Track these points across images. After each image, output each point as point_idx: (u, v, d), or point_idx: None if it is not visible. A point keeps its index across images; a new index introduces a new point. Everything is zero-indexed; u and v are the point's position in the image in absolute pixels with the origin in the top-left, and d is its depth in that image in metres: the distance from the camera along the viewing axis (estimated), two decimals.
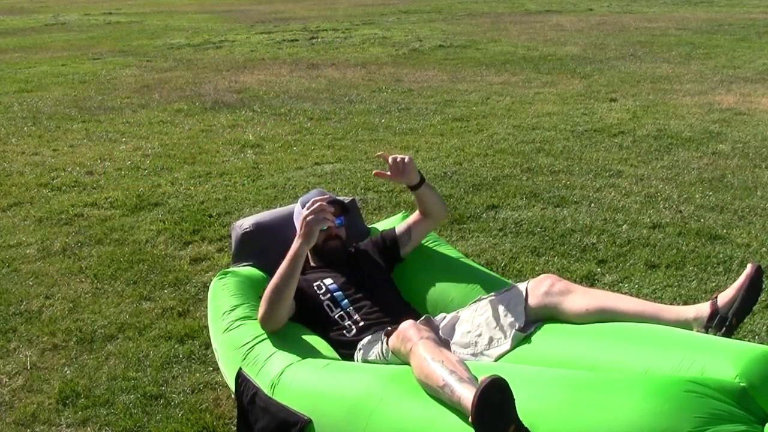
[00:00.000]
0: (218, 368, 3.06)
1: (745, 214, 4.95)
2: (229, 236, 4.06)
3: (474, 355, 2.67)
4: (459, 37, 14.04)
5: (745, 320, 3.54)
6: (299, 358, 2.63)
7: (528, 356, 2.54)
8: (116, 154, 6.91)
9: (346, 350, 2.80)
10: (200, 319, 3.76)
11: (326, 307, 2.96)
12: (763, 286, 3.87)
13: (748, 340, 3.35)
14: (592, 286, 3.99)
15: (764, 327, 3.52)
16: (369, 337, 2.73)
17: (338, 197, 3.27)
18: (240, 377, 2.71)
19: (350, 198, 3.63)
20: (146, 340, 3.63)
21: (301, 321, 2.93)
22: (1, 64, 12.70)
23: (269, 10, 21.12)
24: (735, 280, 2.48)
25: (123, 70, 11.62)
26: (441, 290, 3.14)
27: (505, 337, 2.65)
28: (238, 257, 3.33)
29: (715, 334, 2.36)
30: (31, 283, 4.32)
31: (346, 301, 2.97)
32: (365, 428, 2.29)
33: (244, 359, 2.74)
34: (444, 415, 2.16)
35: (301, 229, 2.78)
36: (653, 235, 4.63)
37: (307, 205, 2.83)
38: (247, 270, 3.23)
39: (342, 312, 2.94)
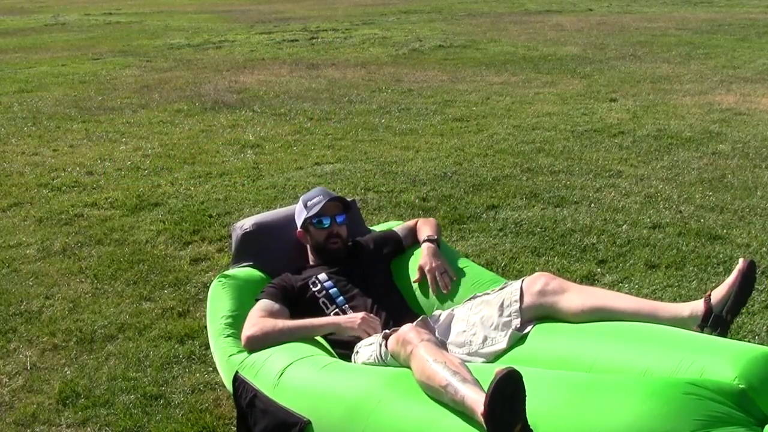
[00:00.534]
0: (218, 370, 3.05)
1: (745, 214, 4.95)
2: (229, 236, 4.06)
3: (469, 354, 2.66)
4: (459, 37, 14.04)
5: (746, 321, 3.55)
6: (298, 358, 2.62)
7: (525, 356, 2.53)
8: (116, 154, 6.91)
9: (342, 348, 2.80)
10: (200, 319, 3.76)
11: (322, 305, 2.96)
12: (758, 282, 3.89)
13: (748, 341, 3.35)
14: (592, 285, 3.98)
15: (764, 327, 3.52)
16: (365, 340, 2.73)
17: (352, 198, 3.28)
18: (237, 381, 2.71)
19: (351, 199, 3.63)
20: (146, 341, 3.63)
21: (297, 319, 2.93)
22: (1, 64, 12.70)
23: (269, 10, 21.12)
24: None
25: (123, 70, 11.62)
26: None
27: (500, 335, 2.64)
28: (238, 257, 3.33)
29: (711, 334, 2.35)
30: (31, 283, 4.32)
31: (341, 298, 2.97)
32: (364, 429, 2.29)
33: (241, 363, 2.73)
34: (443, 416, 2.16)
35: (358, 323, 2.76)
36: (653, 235, 4.63)
37: (361, 322, 2.78)
38: (247, 272, 3.22)
39: (338, 309, 2.94)
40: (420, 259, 3.17)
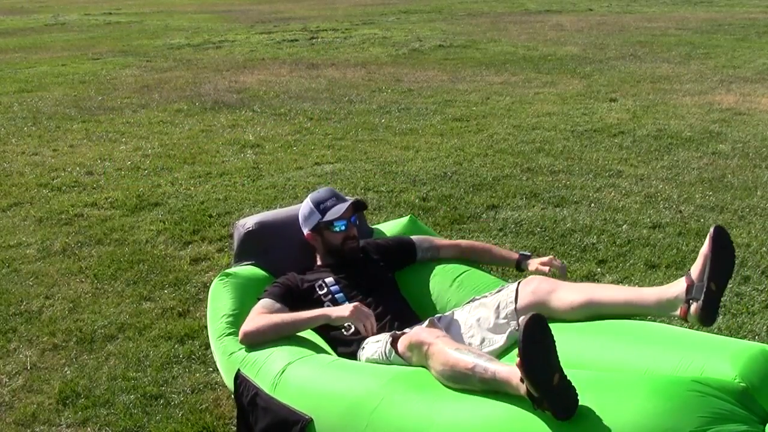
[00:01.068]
0: (218, 369, 3.05)
1: (745, 214, 4.95)
2: (230, 236, 4.06)
3: None
4: (459, 37, 14.04)
5: (746, 321, 3.55)
6: (299, 357, 2.62)
7: None
8: (116, 154, 6.91)
9: (345, 348, 2.80)
10: (200, 319, 3.76)
11: (327, 308, 2.95)
12: (758, 282, 3.89)
13: (748, 340, 3.35)
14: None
15: (764, 327, 3.52)
16: (373, 337, 2.74)
17: (349, 197, 3.26)
18: (239, 378, 2.71)
19: (352, 199, 3.62)
20: (146, 340, 3.63)
21: None
22: (1, 64, 12.70)
23: (269, 10, 21.12)
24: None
25: (123, 70, 11.62)
26: (439, 291, 3.14)
27: (497, 337, 2.65)
28: (240, 256, 3.32)
29: (699, 306, 2.32)
30: (31, 283, 4.32)
31: (346, 301, 2.96)
32: (366, 427, 2.29)
33: (243, 360, 2.73)
34: (445, 414, 2.17)
35: (350, 311, 2.72)
36: (653, 235, 4.64)
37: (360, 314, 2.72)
38: (249, 270, 3.22)
39: None
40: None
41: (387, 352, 2.56)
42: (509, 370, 2.09)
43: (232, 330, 2.89)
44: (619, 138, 6.86)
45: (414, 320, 2.85)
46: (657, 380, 2.04)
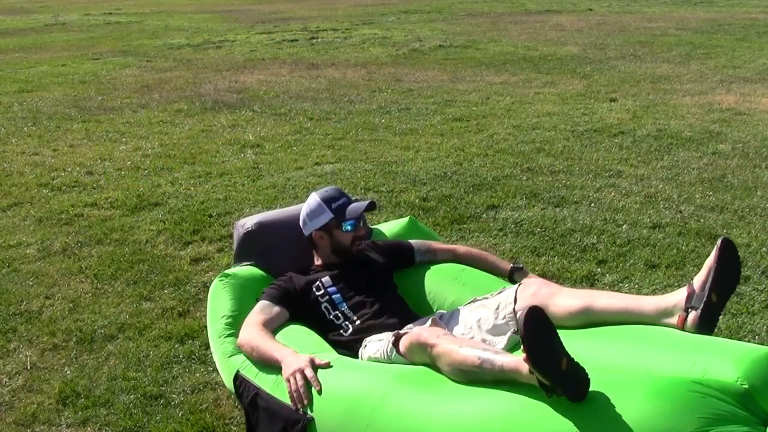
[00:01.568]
0: (218, 369, 3.05)
1: (745, 214, 4.95)
2: (230, 236, 4.06)
3: None
4: (459, 37, 14.04)
5: (746, 321, 3.55)
6: None
7: None
8: (116, 154, 6.91)
9: (343, 350, 2.80)
10: (200, 319, 3.76)
11: (324, 309, 2.96)
12: (758, 282, 3.89)
13: (748, 341, 3.35)
14: (592, 286, 3.99)
15: (764, 327, 3.52)
16: (375, 335, 2.75)
17: (356, 198, 3.25)
18: (238, 379, 2.71)
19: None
20: (146, 340, 3.63)
21: (298, 320, 2.92)
22: (1, 64, 12.70)
23: (269, 10, 21.11)
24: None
25: (123, 70, 11.62)
26: (438, 291, 3.14)
27: (497, 339, 2.65)
28: (240, 257, 3.31)
29: (698, 316, 2.31)
30: (31, 283, 4.31)
31: (344, 302, 2.96)
32: (367, 426, 2.29)
33: (242, 362, 2.74)
34: (446, 412, 2.17)
35: (290, 370, 2.52)
36: (653, 235, 4.63)
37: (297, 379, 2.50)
38: (248, 271, 3.21)
39: (338, 312, 2.94)
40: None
41: (389, 351, 2.57)
42: (517, 360, 2.12)
43: (231, 331, 2.89)
44: (619, 138, 6.86)
45: (412, 319, 2.85)
46: (657, 381, 2.04)
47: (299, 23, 17.25)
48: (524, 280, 2.77)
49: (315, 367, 2.51)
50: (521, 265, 3.23)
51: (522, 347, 2.00)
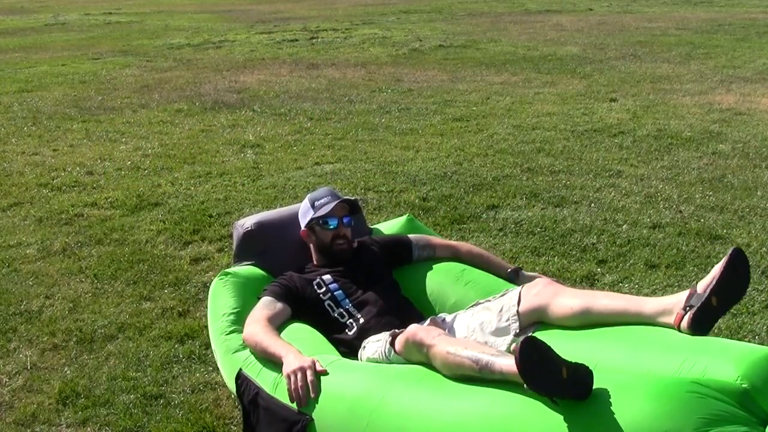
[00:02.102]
0: (218, 368, 3.06)
1: (745, 214, 4.95)
2: (230, 236, 4.06)
3: None
4: (459, 37, 14.04)
5: (746, 321, 3.55)
6: None
7: None
8: (116, 154, 6.91)
9: (346, 349, 2.80)
10: (200, 319, 3.76)
11: (327, 307, 2.96)
12: (758, 282, 3.89)
13: (748, 341, 3.35)
14: (592, 286, 3.99)
15: (764, 327, 3.52)
16: (373, 336, 2.75)
17: (347, 197, 3.27)
18: (240, 378, 2.71)
19: (353, 198, 3.62)
20: (146, 340, 3.63)
21: (301, 319, 2.93)
22: (1, 64, 12.70)
23: (269, 10, 21.11)
24: None
25: (123, 70, 11.62)
26: (441, 291, 3.14)
27: (499, 340, 2.64)
28: (240, 256, 3.32)
29: (693, 315, 2.31)
30: (31, 283, 4.32)
31: (347, 300, 2.96)
32: (366, 426, 2.29)
33: (245, 360, 2.74)
34: (445, 413, 2.17)
35: (290, 368, 2.52)
36: (653, 235, 4.63)
37: (297, 379, 2.49)
38: (248, 270, 3.22)
39: (342, 310, 2.94)
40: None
41: (386, 351, 2.57)
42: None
43: (233, 328, 2.89)
44: (619, 138, 6.86)
45: (416, 318, 2.85)
46: (657, 381, 2.04)
47: (299, 23, 17.25)
48: (528, 283, 2.77)
49: (316, 371, 2.51)
50: (520, 267, 3.23)
51: (522, 378, 2.02)
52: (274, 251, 3.26)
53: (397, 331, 2.58)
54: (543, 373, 2.00)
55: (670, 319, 2.37)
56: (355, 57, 12.29)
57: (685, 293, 2.40)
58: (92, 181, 6.16)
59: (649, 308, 2.44)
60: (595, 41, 13.12)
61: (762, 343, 3.13)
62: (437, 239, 3.39)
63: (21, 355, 3.55)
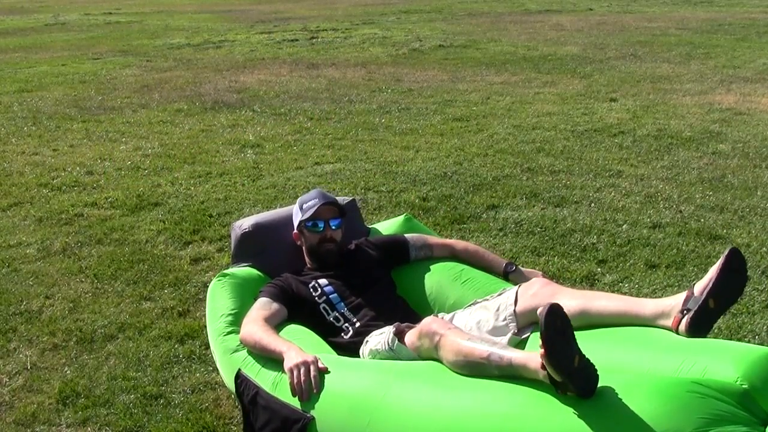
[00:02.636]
0: (218, 368, 3.06)
1: (745, 214, 4.95)
2: (229, 236, 4.06)
3: None
4: (459, 37, 14.04)
5: (746, 321, 3.55)
6: None
7: None
8: (116, 154, 6.91)
9: (344, 353, 2.80)
10: (200, 319, 3.76)
11: (322, 310, 2.96)
12: (758, 282, 3.89)
13: (748, 341, 3.35)
14: (592, 286, 3.99)
15: (764, 327, 3.52)
16: (377, 330, 2.76)
17: (337, 198, 3.27)
18: (239, 378, 2.71)
19: (350, 198, 3.62)
20: (146, 340, 3.63)
21: (296, 321, 2.93)
22: (1, 64, 12.70)
23: (269, 10, 21.11)
24: None
25: (123, 70, 11.62)
26: (440, 291, 3.14)
27: (497, 339, 2.64)
28: (238, 257, 3.33)
29: (690, 319, 2.30)
30: (31, 283, 4.31)
31: (342, 303, 2.96)
32: (368, 425, 2.29)
33: (244, 360, 2.74)
34: (446, 410, 2.17)
35: (292, 363, 2.52)
36: (653, 235, 4.63)
37: (301, 373, 2.49)
38: (246, 271, 3.22)
39: (337, 314, 2.94)
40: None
41: (390, 342, 2.58)
42: (525, 356, 2.15)
43: (232, 328, 2.90)
44: (619, 138, 6.86)
45: (413, 318, 2.85)
46: (657, 381, 2.04)
47: (299, 23, 17.25)
48: (525, 282, 2.77)
49: (318, 368, 2.51)
50: (514, 265, 3.23)
51: (540, 342, 2.02)
52: (272, 252, 3.27)
53: (401, 324, 2.59)
54: (561, 345, 2.01)
55: (668, 322, 2.37)
56: (355, 57, 12.29)
57: (682, 295, 2.39)
58: (92, 181, 6.16)
59: (647, 311, 2.44)
60: (595, 41, 13.12)
61: (762, 343, 3.13)
62: (434, 238, 3.39)
63: (21, 355, 3.55)
